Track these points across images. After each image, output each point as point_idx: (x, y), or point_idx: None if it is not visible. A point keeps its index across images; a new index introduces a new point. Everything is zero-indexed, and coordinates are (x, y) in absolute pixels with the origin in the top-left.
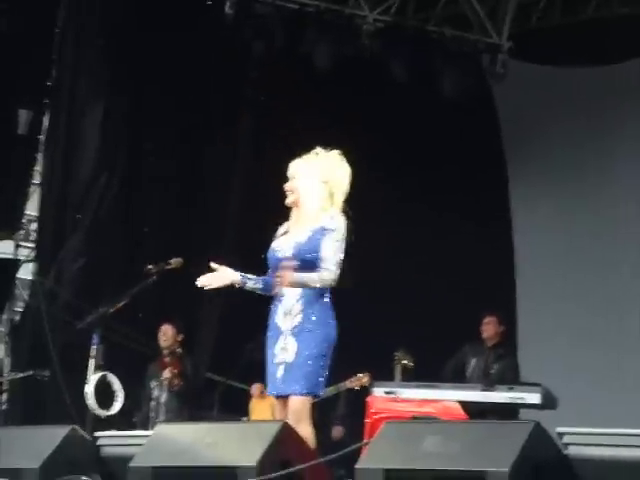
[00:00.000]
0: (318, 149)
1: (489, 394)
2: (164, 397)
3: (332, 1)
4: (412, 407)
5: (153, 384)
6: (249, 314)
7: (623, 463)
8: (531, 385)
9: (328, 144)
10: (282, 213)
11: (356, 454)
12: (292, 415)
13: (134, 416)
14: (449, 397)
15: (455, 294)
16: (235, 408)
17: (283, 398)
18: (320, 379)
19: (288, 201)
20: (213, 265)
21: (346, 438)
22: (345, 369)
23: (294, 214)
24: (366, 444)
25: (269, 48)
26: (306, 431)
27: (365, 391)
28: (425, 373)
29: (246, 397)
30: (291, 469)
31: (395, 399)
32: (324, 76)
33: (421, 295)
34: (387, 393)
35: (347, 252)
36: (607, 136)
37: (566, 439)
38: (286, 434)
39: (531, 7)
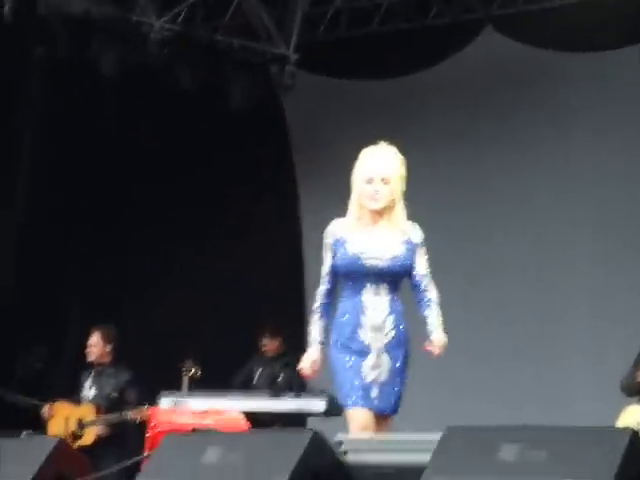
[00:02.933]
0: (384, 143)
1: (275, 402)
2: None
3: (118, 8)
4: (193, 419)
5: None
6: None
7: (399, 468)
8: (317, 392)
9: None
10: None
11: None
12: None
13: None
14: (236, 406)
15: (245, 305)
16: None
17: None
18: (401, 397)
19: (377, 207)
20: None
21: None
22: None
23: (363, 213)
24: (147, 457)
25: (52, 54)
26: None
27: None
28: (214, 384)
29: (25, 410)
30: None
31: (176, 411)
32: (111, 85)
33: (211, 306)
34: (174, 404)
35: None
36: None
37: (345, 447)
38: (62, 449)
39: (318, 19)
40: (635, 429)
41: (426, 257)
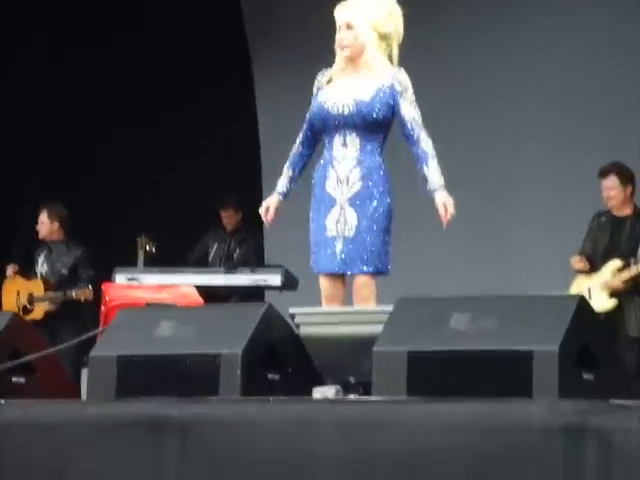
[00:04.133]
0: None
1: (231, 277)
2: None
3: None
4: (147, 293)
5: None
6: None
7: (351, 340)
8: (273, 267)
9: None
10: None
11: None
12: (361, 295)
13: None
14: (191, 281)
15: (201, 182)
16: None
17: (340, 276)
18: (383, 256)
19: (344, 55)
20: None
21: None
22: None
23: (341, 63)
24: (101, 332)
25: None
26: None
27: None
28: (170, 259)
29: None
30: (21, 359)
31: (130, 286)
32: None
33: (164, 180)
34: (129, 279)
35: None
36: None
37: (297, 319)
38: (16, 324)
39: None
40: (583, 295)
41: (414, 105)
